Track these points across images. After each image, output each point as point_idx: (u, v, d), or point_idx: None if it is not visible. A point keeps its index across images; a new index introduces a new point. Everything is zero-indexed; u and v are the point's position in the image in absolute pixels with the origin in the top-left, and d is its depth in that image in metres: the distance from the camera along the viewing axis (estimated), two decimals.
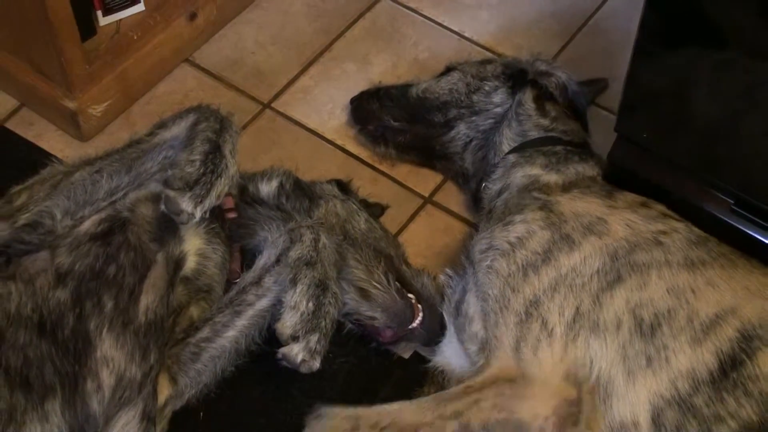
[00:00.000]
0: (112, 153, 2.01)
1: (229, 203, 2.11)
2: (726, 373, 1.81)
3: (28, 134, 2.53)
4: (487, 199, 2.23)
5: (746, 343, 1.83)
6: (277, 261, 2.00)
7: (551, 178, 2.15)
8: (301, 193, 2.17)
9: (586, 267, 1.92)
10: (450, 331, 2.09)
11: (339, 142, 2.55)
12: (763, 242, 2.10)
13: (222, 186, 1.93)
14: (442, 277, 2.12)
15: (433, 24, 2.80)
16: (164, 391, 1.92)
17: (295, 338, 1.90)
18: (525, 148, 2.23)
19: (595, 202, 2.05)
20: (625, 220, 2.00)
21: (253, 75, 2.68)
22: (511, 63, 2.40)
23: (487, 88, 2.34)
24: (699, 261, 1.94)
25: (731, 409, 1.78)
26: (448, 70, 2.42)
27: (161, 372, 1.90)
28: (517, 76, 2.34)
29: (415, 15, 2.82)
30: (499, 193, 2.19)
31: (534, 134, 2.26)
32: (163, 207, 1.91)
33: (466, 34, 2.77)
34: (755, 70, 1.92)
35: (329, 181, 2.30)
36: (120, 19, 2.51)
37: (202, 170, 1.92)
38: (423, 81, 2.44)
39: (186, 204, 1.88)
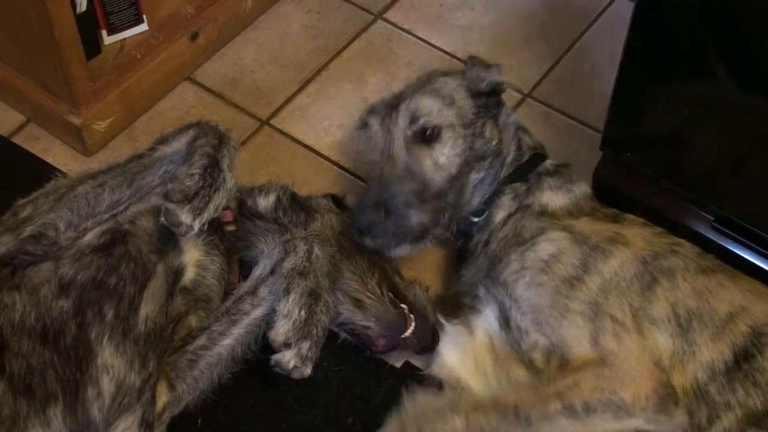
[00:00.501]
0: (114, 167, 2.01)
1: (228, 216, 2.12)
2: (739, 364, 1.83)
3: (35, 149, 2.53)
4: (489, 227, 2.13)
5: (757, 338, 1.86)
6: (272, 271, 2.01)
7: (560, 202, 2.12)
8: (297, 207, 2.18)
9: (624, 271, 1.92)
10: (448, 339, 2.08)
11: (334, 158, 2.56)
12: (743, 257, 2.13)
13: (220, 199, 1.94)
14: (480, 292, 2.05)
15: (426, 45, 2.80)
16: (162, 397, 1.92)
17: (287, 345, 1.91)
18: (523, 173, 2.17)
19: (606, 222, 2.07)
20: (639, 234, 2.02)
21: (252, 93, 2.69)
22: (470, 85, 2.16)
23: (478, 129, 2.14)
24: (709, 268, 1.98)
25: (740, 398, 1.81)
26: (424, 129, 2.08)
27: (160, 379, 1.91)
28: (486, 99, 2.17)
29: (409, 36, 2.82)
30: (506, 219, 2.12)
31: (526, 156, 2.20)
32: (162, 219, 1.91)
33: (458, 55, 2.77)
34: (736, 92, 1.93)
35: (325, 196, 2.31)
36: (124, 39, 2.52)
37: (200, 184, 1.93)
38: (409, 160, 2.08)
39: (185, 216, 1.88)
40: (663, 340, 1.86)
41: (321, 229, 2.13)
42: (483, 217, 2.14)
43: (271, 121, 2.64)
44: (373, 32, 2.83)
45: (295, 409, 2.08)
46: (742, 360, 1.84)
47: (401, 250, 2.08)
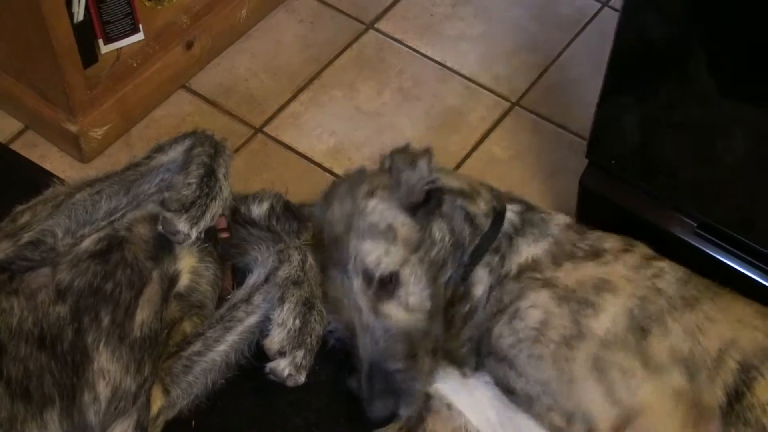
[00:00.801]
0: (111, 175, 2.01)
1: (222, 224, 2.11)
2: (732, 406, 1.81)
3: (33, 155, 2.53)
4: (470, 301, 2.00)
5: (745, 373, 1.83)
6: (266, 280, 2.00)
7: (541, 250, 2.00)
8: (290, 215, 2.17)
9: (617, 326, 1.88)
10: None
11: (327, 165, 2.56)
12: (724, 263, 2.14)
13: (216, 208, 1.94)
14: (469, 365, 2.00)
15: (416, 54, 2.81)
16: (157, 401, 1.92)
17: (282, 354, 1.90)
18: (489, 244, 2.01)
19: (589, 267, 1.98)
20: (623, 275, 1.96)
21: (246, 101, 2.69)
22: (402, 201, 1.97)
23: (428, 241, 1.96)
24: (693, 298, 1.93)
25: None
26: (382, 282, 1.92)
27: (155, 384, 1.91)
28: (425, 206, 1.99)
29: (400, 45, 2.83)
30: (488, 293, 1.99)
31: (486, 225, 2.02)
32: (160, 227, 1.91)
33: (448, 64, 2.78)
34: (718, 102, 1.94)
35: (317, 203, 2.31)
36: (120, 48, 2.52)
37: (197, 193, 1.93)
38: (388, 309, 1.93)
39: (182, 225, 1.89)
40: (677, 378, 1.83)
41: (313, 238, 2.13)
42: (460, 291, 2.01)
43: (265, 129, 2.64)
44: (364, 42, 2.84)
45: (287, 414, 2.08)
46: (734, 401, 1.81)
47: (416, 403, 1.96)
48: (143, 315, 1.88)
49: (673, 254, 2.05)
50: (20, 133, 2.58)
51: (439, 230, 1.98)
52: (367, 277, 1.92)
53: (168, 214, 1.89)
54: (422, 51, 2.82)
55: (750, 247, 2.09)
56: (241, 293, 2.04)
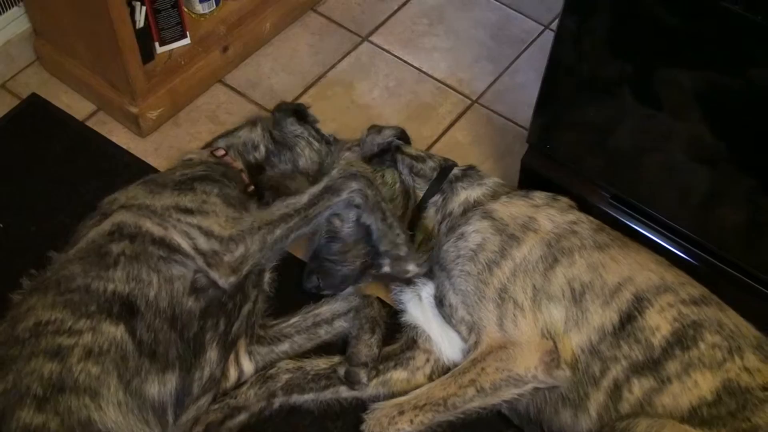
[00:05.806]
0: (299, 210, 1.92)
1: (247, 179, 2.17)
2: (624, 325, 1.82)
3: (102, 130, 2.54)
4: (425, 232, 2.09)
5: (638, 303, 1.83)
6: (346, 313, 2.08)
7: (478, 192, 2.07)
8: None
9: (532, 255, 1.90)
10: (407, 298, 2.10)
11: None
12: (631, 227, 2.15)
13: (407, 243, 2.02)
14: (417, 282, 2.07)
15: (399, 61, 2.81)
16: (246, 374, 2.01)
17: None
18: (436, 187, 2.10)
19: (522, 204, 2.01)
20: (548, 215, 1.97)
21: (268, 93, 2.69)
22: (365, 152, 2.12)
23: (379, 180, 2.07)
24: (603, 243, 1.93)
25: (625, 352, 1.80)
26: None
27: (249, 360, 2.01)
28: (383, 155, 2.14)
29: (387, 54, 2.83)
30: (440, 222, 2.08)
31: (434, 174, 2.12)
32: (387, 269, 2.01)
33: (424, 69, 2.78)
34: (618, 103, 1.96)
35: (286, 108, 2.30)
36: (172, 49, 2.54)
37: (406, 239, 2.01)
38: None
39: (412, 266, 2.01)
40: (557, 312, 1.84)
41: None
42: (417, 229, 2.09)
43: None
44: (360, 51, 2.84)
45: None
46: (626, 322, 1.82)
47: (348, 290, 2.09)
48: (238, 324, 1.93)
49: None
50: (93, 113, 2.59)
51: (390, 176, 2.10)
52: None
53: (403, 262, 2.00)
54: (404, 59, 2.82)
55: (650, 214, 2.11)
56: (324, 314, 2.09)
